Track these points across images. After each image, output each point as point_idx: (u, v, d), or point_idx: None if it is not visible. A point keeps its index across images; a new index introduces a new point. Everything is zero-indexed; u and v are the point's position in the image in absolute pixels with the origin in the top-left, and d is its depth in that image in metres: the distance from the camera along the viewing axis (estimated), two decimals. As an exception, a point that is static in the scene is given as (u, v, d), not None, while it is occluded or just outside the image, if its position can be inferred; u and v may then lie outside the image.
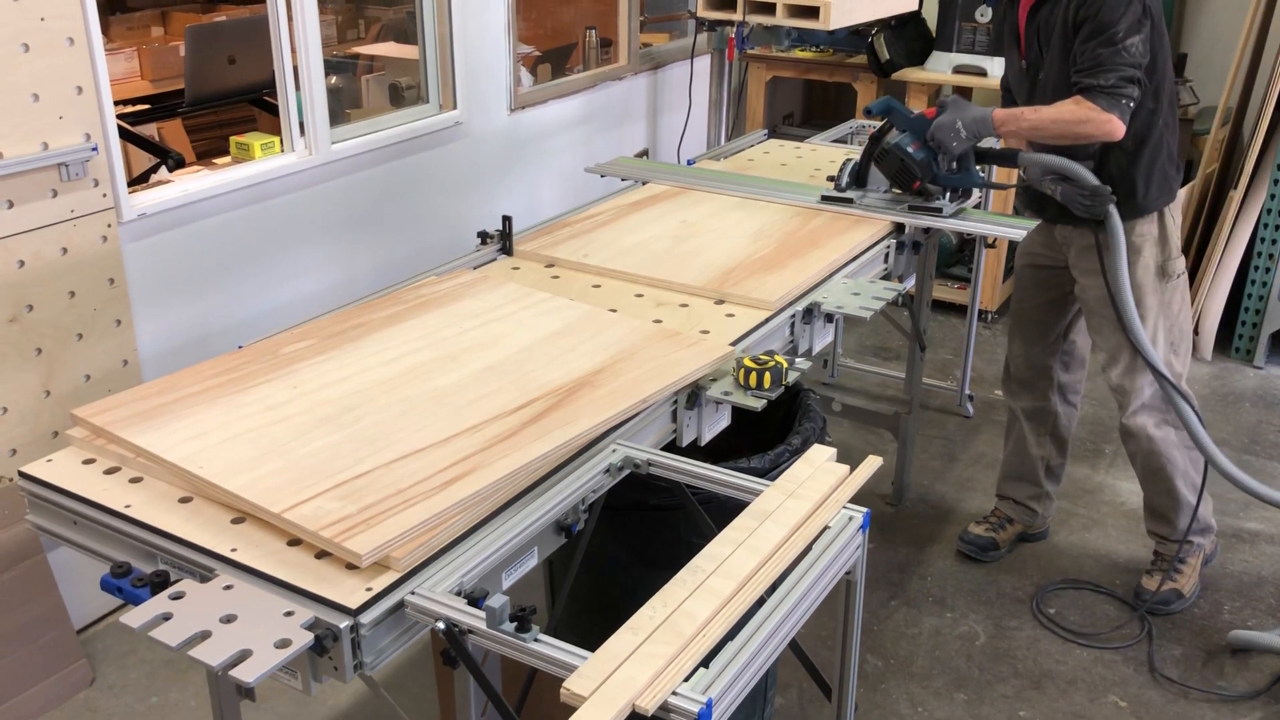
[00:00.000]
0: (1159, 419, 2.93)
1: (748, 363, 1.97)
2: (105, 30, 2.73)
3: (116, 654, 2.90)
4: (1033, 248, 3.07)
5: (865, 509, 1.67)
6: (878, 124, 2.90)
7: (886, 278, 2.76)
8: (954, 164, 2.75)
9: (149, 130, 4.42)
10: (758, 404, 1.95)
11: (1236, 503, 3.57)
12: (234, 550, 1.52)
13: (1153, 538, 3.12)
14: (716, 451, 2.14)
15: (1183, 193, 2.92)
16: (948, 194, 2.81)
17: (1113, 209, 2.70)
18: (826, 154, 3.51)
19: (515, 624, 1.40)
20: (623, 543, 2.22)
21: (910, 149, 2.73)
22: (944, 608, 3.09)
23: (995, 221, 2.87)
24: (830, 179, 2.97)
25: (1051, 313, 3.11)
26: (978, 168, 2.79)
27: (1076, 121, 2.59)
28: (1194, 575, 3.09)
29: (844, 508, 1.68)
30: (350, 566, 1.48)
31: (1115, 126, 2.57)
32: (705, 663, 1.36)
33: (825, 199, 2.89)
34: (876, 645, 2.94)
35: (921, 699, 2.76)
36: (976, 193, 3.33)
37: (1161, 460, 2.96)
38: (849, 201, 2.86)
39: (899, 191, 2.84)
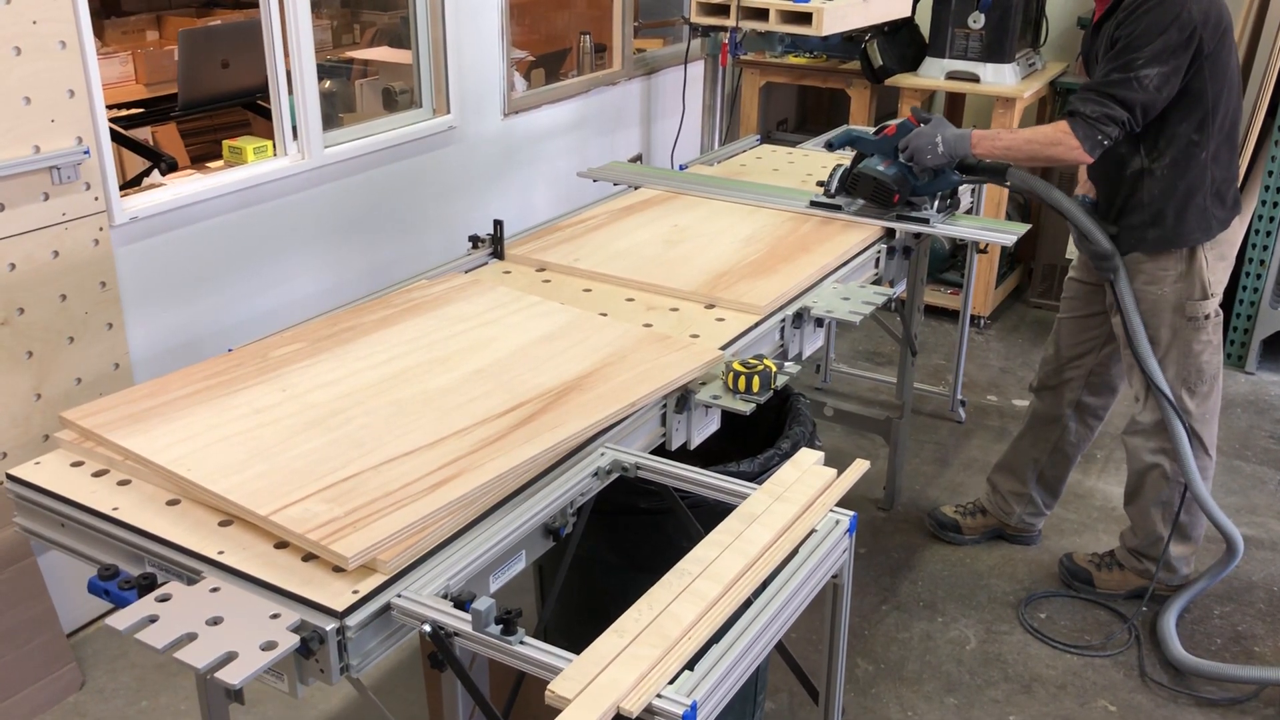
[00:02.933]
0: (1156, 446, 2.92)
1: (737, 367, 1.97)
2: (100, 34, 2.74)
3: (106, 658, 2.89)
4: (1079, 262, 3.04)
5: (852, 513, 1.67)
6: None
7: (877, 283, 2.76)
8: (930, 174, 2.76)
9: (143, 134, 4.43)
10: (746, 408, 1.96)
11: (1228, 508, 3.57)
12: (221, 553, 1.52)
13: (1125, 541, 3.15)
14: (706, 456, 2.14)
15: (1234, 236, 2.78)
16: (935, 203, 2.81)
17: (1122, 272, 2.73)
18: (819, 159, 3.51)
19: (501, 627, 1.40)
20: (612, 546, 2.22)
21: (881, 168, 2.77)
22: (934, 612, 3.10)
23: (987, 227, 2.88)
24: (820, 184, 2.97)
25: (1085, 329, 3.07)
26: (955, 173, 2.80)
27: (1049, 144, 2.62)
28: (1121, 584, 3.11)
29: (831, 511, 1.68)
30: (337, 569, 1.48)
31: (1081, 156, 2.59)
32: (691, 665, 1.36)
33: (814, 204, 2.90)
34: (867, 649, 2.94)
35: (912, 703, 2.77)
36: (968, 198, 3.36)
37: (1142, 483, 2.99)
38: (838, 208, 2.87)
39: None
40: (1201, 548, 3.11)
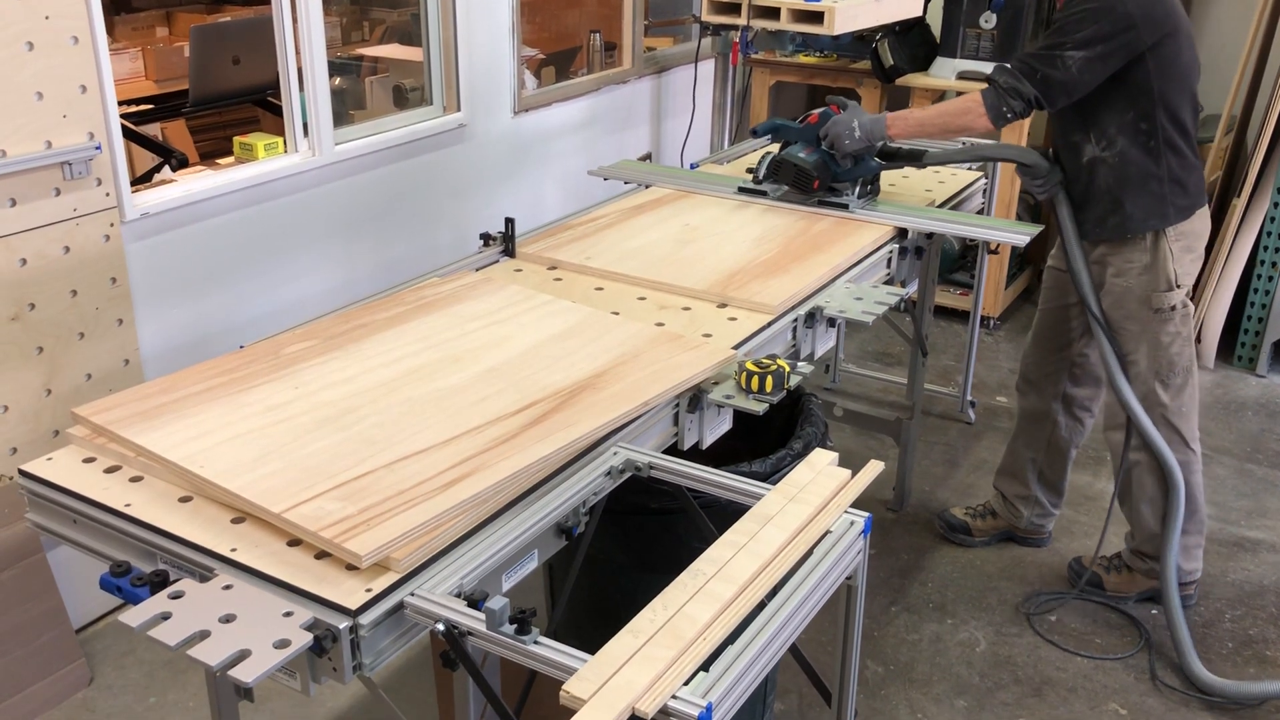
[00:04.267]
0: (1137, 441, 2.92)
1: (750, 366, 1.97)
2: (110, 30, 2.73)
3: (115, 654, 2.89)
4: (1056, 249, 3.06)
5: (867, 514, 1.67)
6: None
7: (889, 283, 2.75)
8: (850, 161, 2.84)
9: (153, 130, 4.42)
10: (760, 408, 1.95)
11: (1239, 511, 3.57)
12: (234, 550, 1.52)
13: (1127, 541, 3.13)
14: (717, 456, 2.13)
15: (1199, 227, 2.80)
16: (856, 189, 2.88)
17: (1063, 192, 2.79)
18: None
19: (515, 626, 1.39)
20: (623, 546, 2.22)
21: (802, 154, 2.86)
22: (944, 614, 3.08)
23: (999, 227, 2.87)
24: (749, 170, 3.04)
25: (1062, 319, 3.10)
26: (875, 160, 2.88)
27: (958, 114, 2.73)
28: (1128, 586, 3.10)
29: (846, 512, 1.67)
30: (350, 567, 1.48)
31: (985, 124, 2.69)
32: (705, 666, 1.35)
33: (742, 190, 2.99)
34: (877, 651, 2.93)
35: (921, 705, 2.76)
36: (980, 197, 3.36)
37: (1130, 480, 2.98)
38: (763, 194, 2.95)
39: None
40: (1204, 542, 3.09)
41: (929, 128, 2.79)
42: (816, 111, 2.87)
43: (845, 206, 2.84)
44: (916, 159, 2.88)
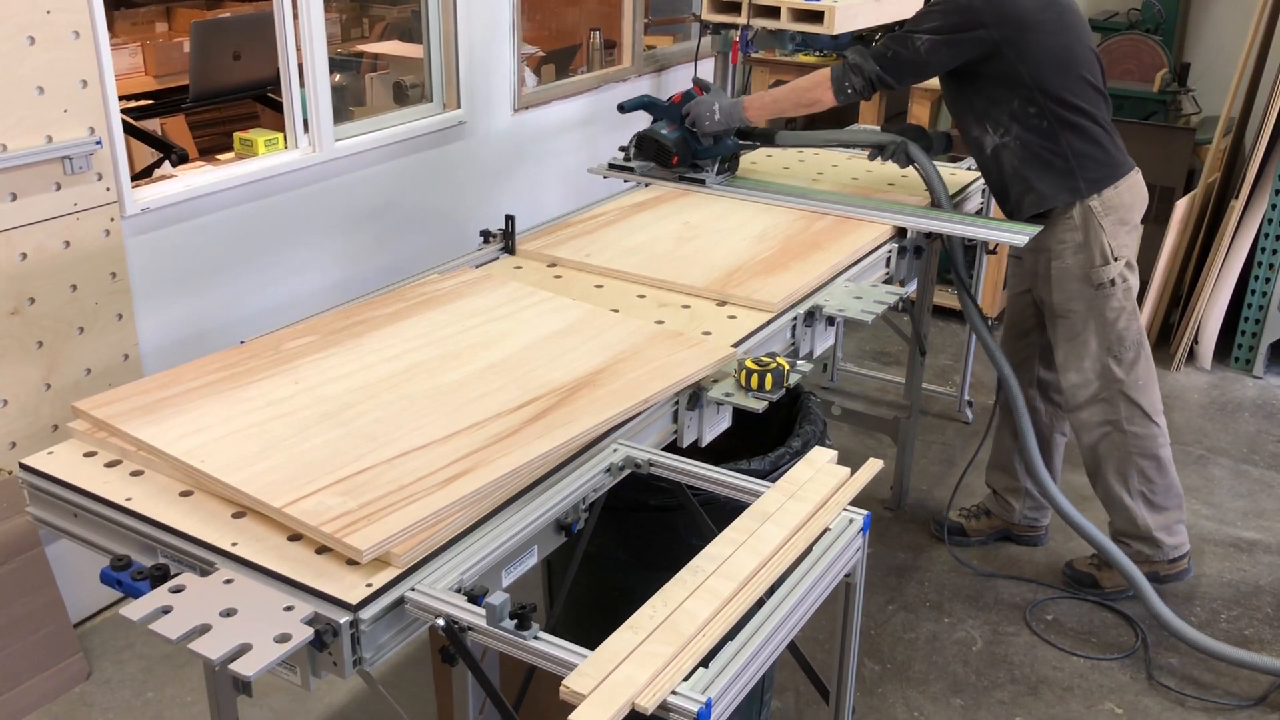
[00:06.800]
0: (1100, 419, 2.97)
1: (749, 364, 1.97)
2: (110, 25, 2.73)
3: (113, 648, 2.89)
4: None
5: (866, 511, 1.67)
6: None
7: (888, 282, 2.76)
8: (711, 140, 2.99)
9: (152, 126, 4.42)
10: (759, 405, 1.95)
11: (1235, 511, 3.58)
12: (234, 544, 1.52)
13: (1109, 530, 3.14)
14: (715, 454, 2.14)
15: (1128, 199, 2.88)
16: (715, 166, 3.05)
17: (913, 148, 2.93)
18: (829, 158, 3.51)
19: (515, 622, 1.40)
20: (622, 543, 2.22)
21: (665, 131, 3.01)
22: (941, 613, 3.09)
23: (998, 227, 2.88)
24: (622, 149, 3.18)
25: (1025, 305, 3.17)
26: (733, 139, 3.04)
27: (807, 89, 2.89)
28: (1121, 580, 3.09)
29: (845, 510, 1.68)
30: (351, 562, 1.48)
31: (828, 97, 2.85)
32: (705, 662, 1.35)
33: (612, 166, 3.16)
34: (873, 649, 2.94)
35: (918, 704, 2.76)
36: (978, 199, 3.37)
37: (1096, 457, 3.02)
38: (630, 169, 3.12)
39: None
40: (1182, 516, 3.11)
41: (783, 104, 2.96)
42: (680, 91, 3.03)
43: (703, 181, 3.03)
44: (769, 139, 3.11)
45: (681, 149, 3.00)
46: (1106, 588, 3.12)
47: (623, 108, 3.15)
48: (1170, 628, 2.86)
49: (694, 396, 2.00)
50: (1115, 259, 2.86)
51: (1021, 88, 2.77)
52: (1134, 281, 2.92)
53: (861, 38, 4.72)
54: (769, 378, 1.95)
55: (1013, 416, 3.11)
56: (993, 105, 2.83)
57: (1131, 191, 2.88)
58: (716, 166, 3.05)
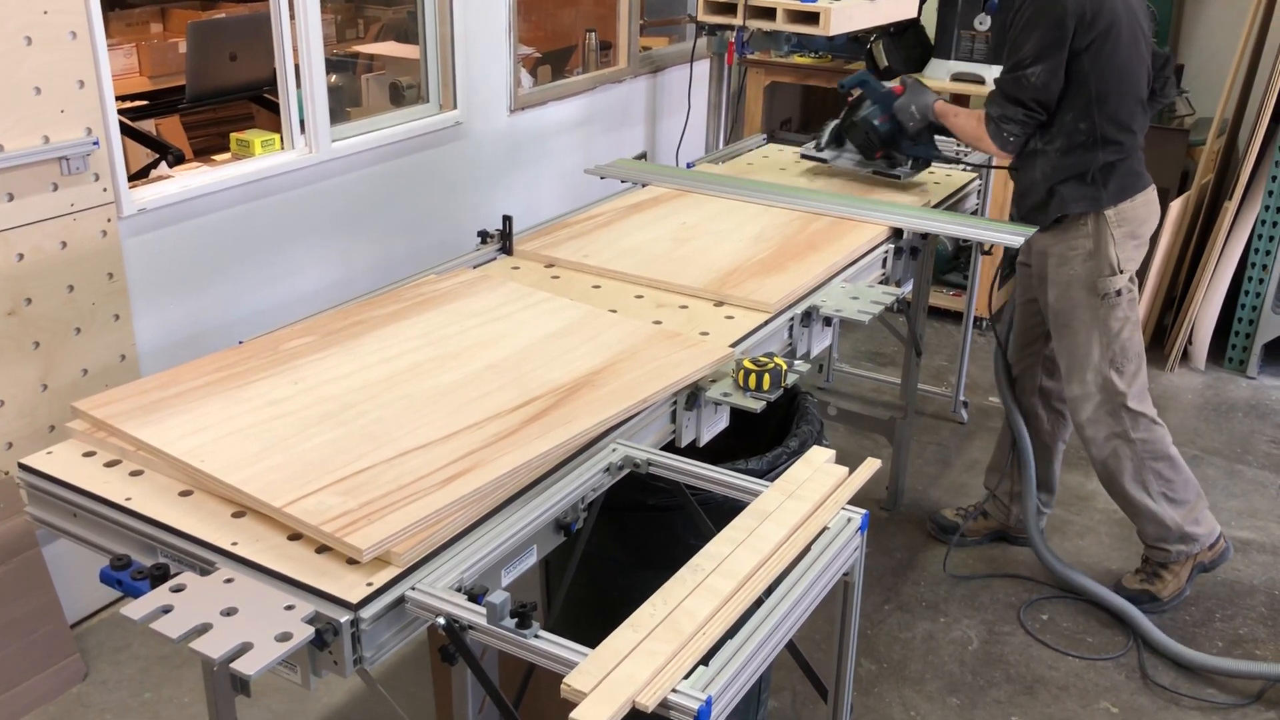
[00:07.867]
0: (1108, 432, 2.96)
1: (747, 364, 1.98)
2: (105, 26, 2.73)
3: (110, 649, 2.89)
4: (1021, 245, 3.11)
5: (864, 510, 1.68)
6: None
7: (885, 282, 2.77)
8: (915, 137, 3.06)
9: (147, 126, 4.41)
10: (757, 405, 1.96)
11: (1229, 511, 3.59)
12: (235, 544, 1.52)
13: (1142, 540, 3.14)
14: (711, 454, 2.14)
15: (1142, 214, 2.89)
16: (910, 163, 3.11)
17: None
18: (825, 160, 3.51)
19: (516, 620, 1.40)
20: (620, 543, 2.22)
21: (876, 122, 3.05)
22: (937, 612, 3.10)
23: (993, 228, 2.89)
24: (813, 137, 3.20)
25: (1030, 313, 3.17)
26: (937, 149, 3.13)
27: (977, 139, 2.91)
28: (1176, 582, 3.09)
29: (843, 509, 1.68)
30: (351, 561, 1.49)
31: (999, 153, 2.90)
32: (705, 660, 1.36)
33: (804, 156, 3.21)
34: (870, 649, 2.95)
35: (914, 703, 2.77)
36: (974, 199, 3.38)
37: (1110, 470, 3.01)
38: (824, 160, 3.19)
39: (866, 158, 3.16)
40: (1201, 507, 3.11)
41: (962, 135, 2.99)
42: (898, 83, 3.06)
43: (897, 178, 3.11)
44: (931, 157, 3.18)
45: (889, 143, 3.07)
46: (1164, 598, 3.10)
47: (843, 85, 3.17)
48: (1183, 660, 2.86)
49: (692, 396, 2.01)
50: (1121, 271, 2.86)
51: (1081, 97, 2.76)
52: (1136, 294, 2.92)
53: (857, 40, 4.74)
54: (767, 378, 1.96)
55: (1020, 468, 3.20)
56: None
57: (1147, 206, 2.89)
58: (911, 164, 3.12)
